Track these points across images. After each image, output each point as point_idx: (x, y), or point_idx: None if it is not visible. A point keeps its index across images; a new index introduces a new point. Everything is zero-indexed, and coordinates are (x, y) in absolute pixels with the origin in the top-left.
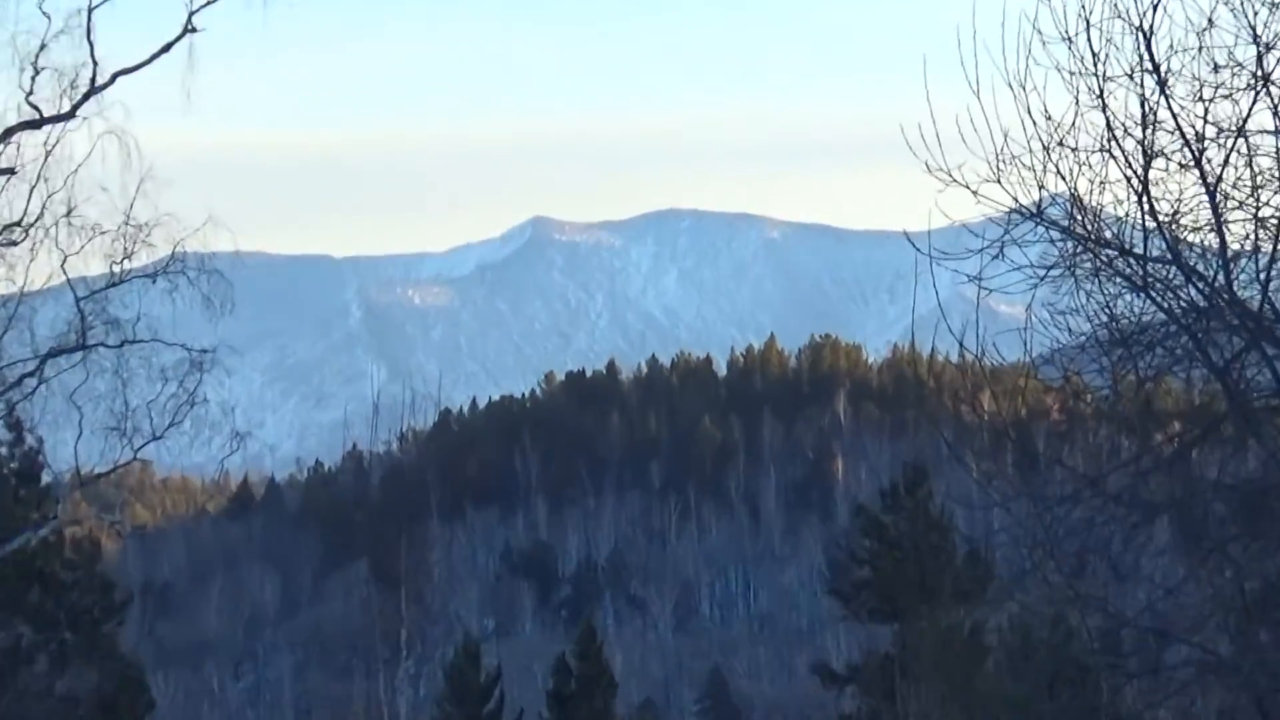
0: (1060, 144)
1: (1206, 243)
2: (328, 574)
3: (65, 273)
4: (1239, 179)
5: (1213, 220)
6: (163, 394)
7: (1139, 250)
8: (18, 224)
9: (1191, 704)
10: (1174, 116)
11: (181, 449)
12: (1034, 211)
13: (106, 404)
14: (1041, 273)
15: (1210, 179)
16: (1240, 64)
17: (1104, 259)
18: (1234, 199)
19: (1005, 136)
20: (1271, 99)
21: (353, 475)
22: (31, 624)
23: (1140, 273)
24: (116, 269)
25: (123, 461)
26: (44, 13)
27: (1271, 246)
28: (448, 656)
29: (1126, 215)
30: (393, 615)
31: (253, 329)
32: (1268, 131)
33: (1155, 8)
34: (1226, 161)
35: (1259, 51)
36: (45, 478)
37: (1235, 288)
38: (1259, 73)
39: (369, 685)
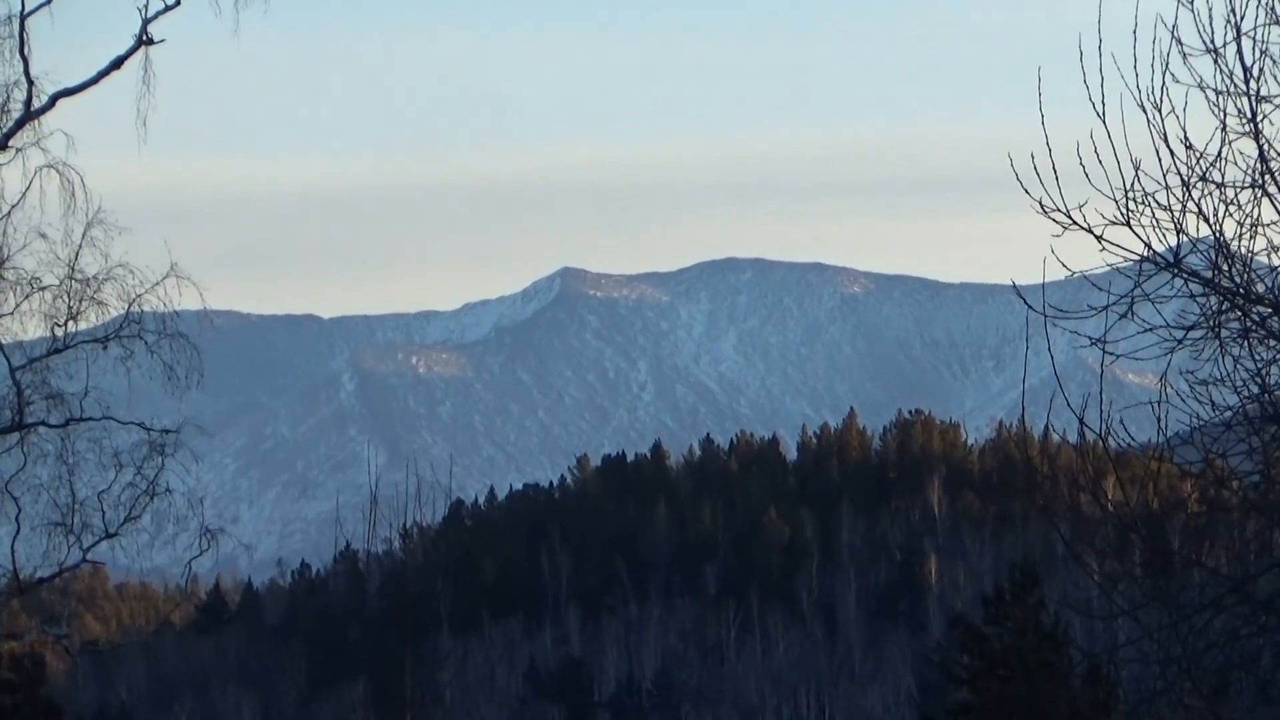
0: (1203, 179)
1: None
2: (316, 697)
3: None
4: None
5: None
6: (117, 483)
7: None
8: None
9: None
10: None
11: (140, 549)
12: (1170, 260)
13: (49, 495)
14: (1179, 334)
15: None
16: None
17: (1255, 317)
18: None
19: (1137, 170)
20: None
21: (346, 580)
22: None
23: None
24: (59, 332)
25: (70, 564)
26: None
27: None
28: None
29: None
30: None
31: (225, 404)
32: None
33: None
34: None
35: None
36: None
37: None
38: None
39: None
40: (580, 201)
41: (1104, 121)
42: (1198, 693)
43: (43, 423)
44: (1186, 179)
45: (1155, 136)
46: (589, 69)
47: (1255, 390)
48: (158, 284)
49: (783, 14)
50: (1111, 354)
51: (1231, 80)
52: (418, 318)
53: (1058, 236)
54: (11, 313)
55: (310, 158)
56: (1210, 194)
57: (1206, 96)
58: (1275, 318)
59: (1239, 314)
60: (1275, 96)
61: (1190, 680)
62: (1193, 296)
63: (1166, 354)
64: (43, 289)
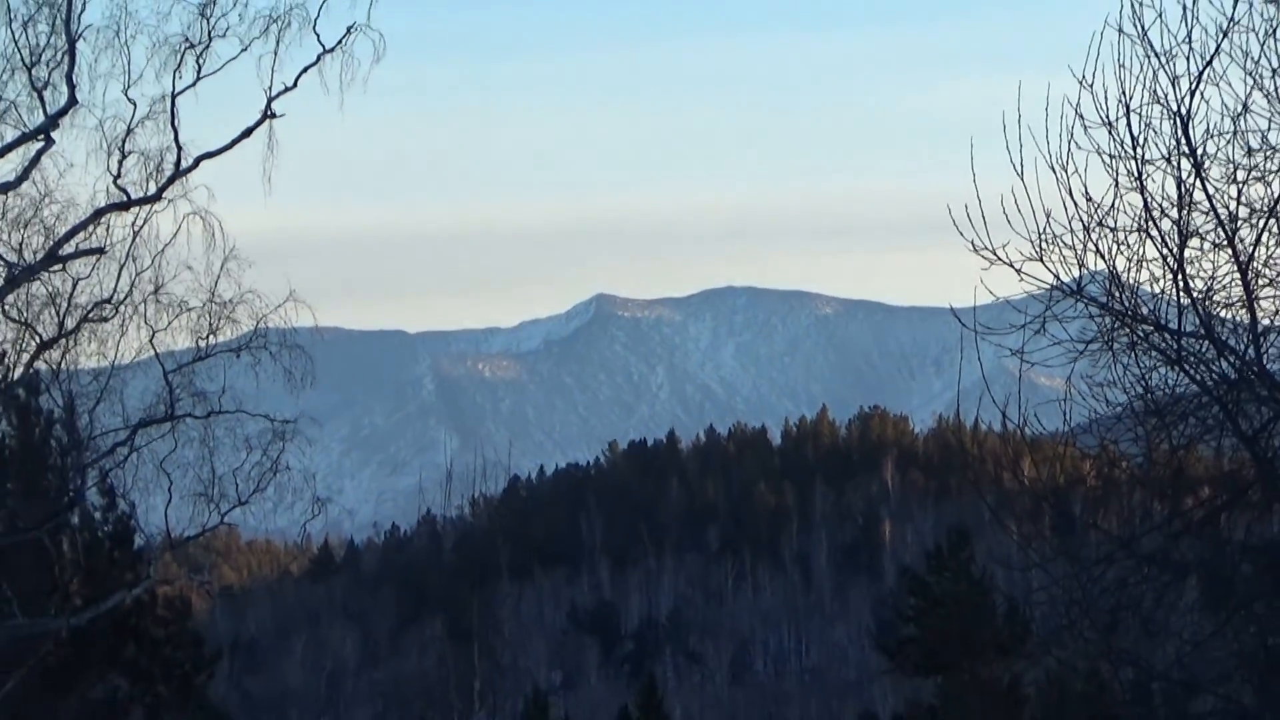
0: (1100, 224)
1: (1238, 318)
2: (404, 631)
3: (154, 348)
4: (1270, 258)
5: (1244, 297)
6: (247, 462)
7: (1173, 325)
8: (108, 301)
9: None
10: (1209, 198)
11: (265, 514)
12: (1074, 289)
13: (194, 471)
14: (1081, 347)
15: (1242, 258)
16: (1274, 148)
17: (1140, 334)
18: (1264, 277)
19: (1048, 217)
20: None
21: (427, 539)
22: (127, 677)
23: (1174, 347)
24: (202, 344)
25: (210, 526)
26: (129, 99)
27: None
28: (518, 708)
29: (1162, 292)
30: (466, 669)
31: (332, 401)
32: None
33: (1193, 94)
34: (1258, 241)
35: None
36: (137, 541)
37: (1265, 361)
38: None
39: None
40: (612, 241)
41: (1022, 179)
42: (1094, 628)
43: (189, 415)
44: (1087, 224)
45: (1062, 191)
46: (620, 135)
47: (1140, 391)
48: (279, 306)
49: (770, 90)
50: (1028, 362)
51: (1122, 147)
52: (484, 333)
53: (985, 269)
54: (165, 328)
55: (398, 203)
56: (1105, 236)
57: (1102, 160)
58: (1156, 334)
59: (1128, 331)
60: (1156, 160)
61: (1088, 619)
62: (1092, 317)
63: (1071, 362)
64: (189, 310)
